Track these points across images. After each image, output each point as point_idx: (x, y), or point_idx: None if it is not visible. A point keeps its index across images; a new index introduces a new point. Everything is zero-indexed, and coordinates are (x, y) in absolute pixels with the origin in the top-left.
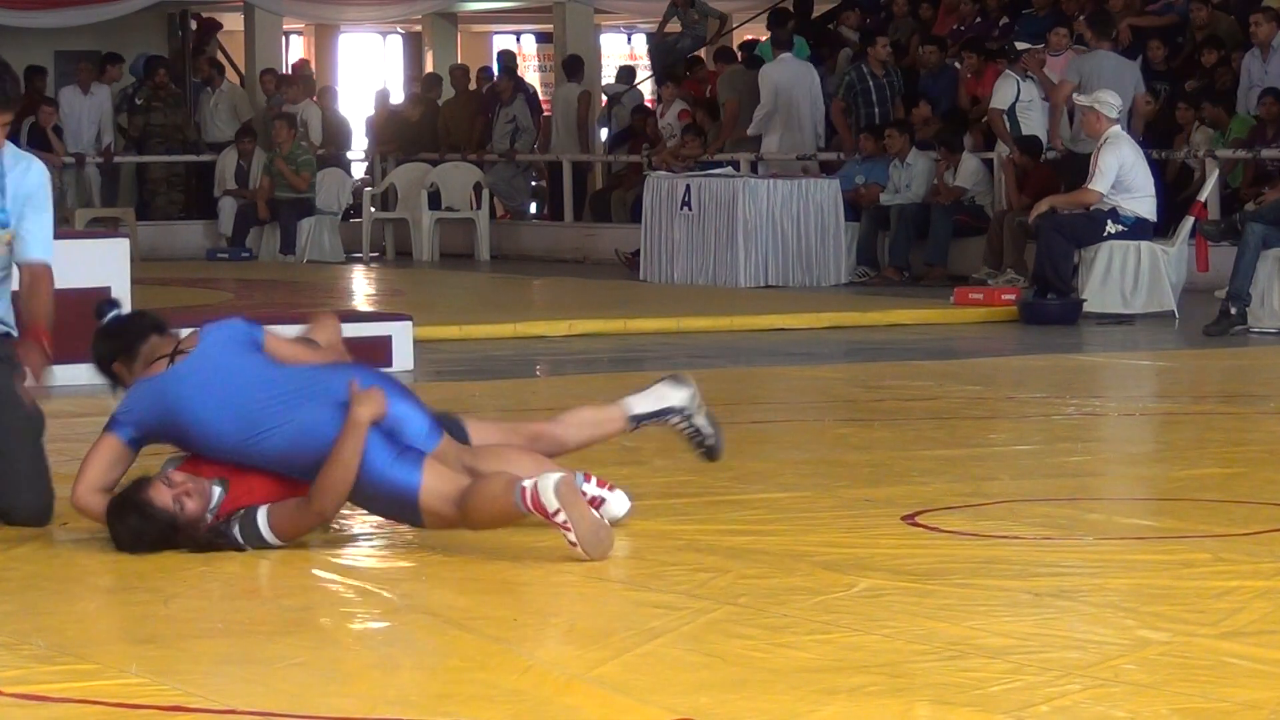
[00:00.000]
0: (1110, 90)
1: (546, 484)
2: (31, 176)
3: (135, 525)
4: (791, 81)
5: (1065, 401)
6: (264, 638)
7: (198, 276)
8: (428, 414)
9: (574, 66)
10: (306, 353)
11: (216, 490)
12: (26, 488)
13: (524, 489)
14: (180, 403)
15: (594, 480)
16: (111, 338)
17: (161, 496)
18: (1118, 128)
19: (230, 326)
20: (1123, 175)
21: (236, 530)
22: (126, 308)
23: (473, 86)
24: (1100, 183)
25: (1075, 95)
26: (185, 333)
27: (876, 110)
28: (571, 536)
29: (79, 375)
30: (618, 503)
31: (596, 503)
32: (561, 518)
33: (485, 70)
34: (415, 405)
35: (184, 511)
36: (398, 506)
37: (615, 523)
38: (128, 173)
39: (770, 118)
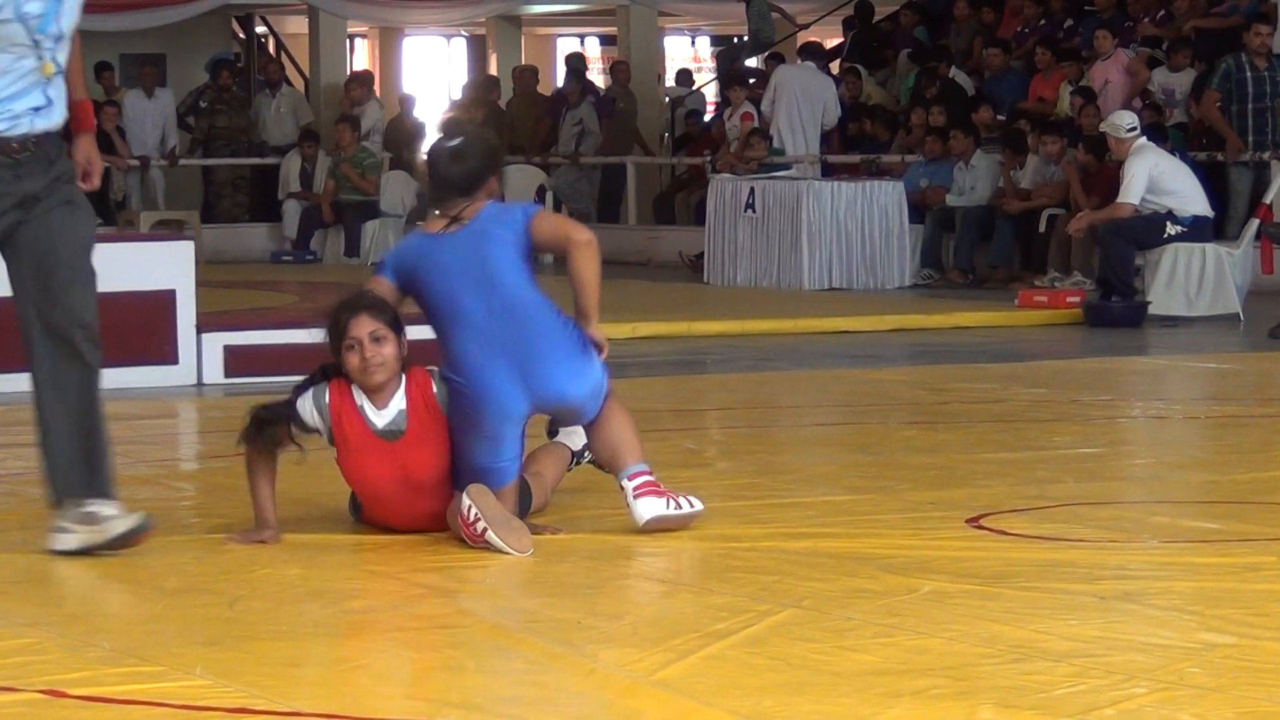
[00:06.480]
0: (1124, 111)
1: (460, 496)
2: None
3: (339, 305)
4: (793, 83)
5: (1130, 404)
6: (328, 640)
7: (262, 279)
8: None
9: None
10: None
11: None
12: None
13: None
14: (423, 264)
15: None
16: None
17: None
18: (1143, 140)
19: (509, 211)
20: (1161, 183)
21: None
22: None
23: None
24: (1130, 194)
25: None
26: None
27: (1251, 106)
28: (492, 535)
29: (143, 378)
30: (578, 437)
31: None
32: (474, 513)
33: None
34: None
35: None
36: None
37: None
38: (192, 175)
39: (768, 116)
